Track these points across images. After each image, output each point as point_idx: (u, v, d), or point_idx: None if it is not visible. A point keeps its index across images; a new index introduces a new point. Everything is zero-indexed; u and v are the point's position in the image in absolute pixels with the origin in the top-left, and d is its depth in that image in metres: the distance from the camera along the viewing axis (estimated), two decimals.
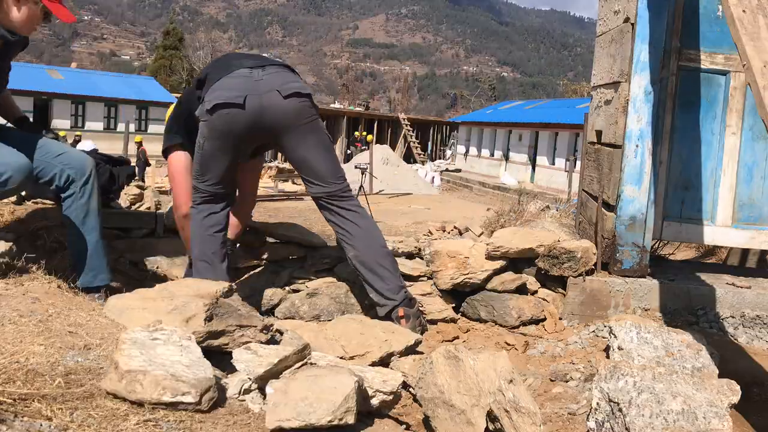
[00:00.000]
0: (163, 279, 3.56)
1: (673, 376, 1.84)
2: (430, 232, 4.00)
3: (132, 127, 25.13)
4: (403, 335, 2.66)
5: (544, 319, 3.42)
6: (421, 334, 3.06)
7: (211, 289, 2.26)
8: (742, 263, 5.19)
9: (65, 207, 2.76)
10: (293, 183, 23.17)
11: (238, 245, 3.50)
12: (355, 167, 17.37)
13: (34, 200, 3.71)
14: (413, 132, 40.15)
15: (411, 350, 2.63)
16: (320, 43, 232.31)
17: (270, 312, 3.45)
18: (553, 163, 27.99)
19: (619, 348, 2.44)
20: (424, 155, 39.08)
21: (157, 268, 3.59)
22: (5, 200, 3.56)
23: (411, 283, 3.46)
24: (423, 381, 2.09)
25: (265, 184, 21.86)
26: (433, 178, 29.92)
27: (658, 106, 3.36)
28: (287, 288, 3.55)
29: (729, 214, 3.57)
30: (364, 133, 37.49)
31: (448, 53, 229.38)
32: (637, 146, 3.35)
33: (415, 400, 2.38)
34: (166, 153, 3.32)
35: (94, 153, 3.58)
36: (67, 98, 30.30)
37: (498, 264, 3.47)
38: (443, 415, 1.98)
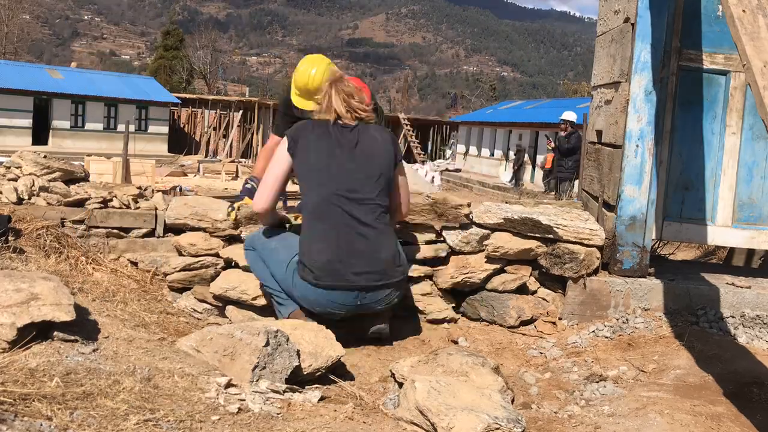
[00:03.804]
0: (163, 279, 3.56)
1: None
2: None
3: (132, 128, 25.09)
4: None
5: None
6: None
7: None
8: (748, 264, 5.19)
9: None
10: (292, 182, 23.10)
11: None
12: None
13: (33, 201, 3.71)
14: (413, 132, 40.13)
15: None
16: (320, 43, 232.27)
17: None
18: None
19: None
20: (424, 155, 39.07)
21: (157, 268, 3.59)
22: (5, 200, 3.56)
23: (410, 284, 3.46)
24: None
25: None
26: (433, 177, 29.89)
27: (658, 106, 3.36)
28: None
29: (729, 214, 3.57)
30: None
31: (448, 53, 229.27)
32: (637, 146, 3.35)
33: None
34: None
35: None
36: (67, 98, 30.24)
37: (498, 264, 3.47)
38: None
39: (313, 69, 3.48)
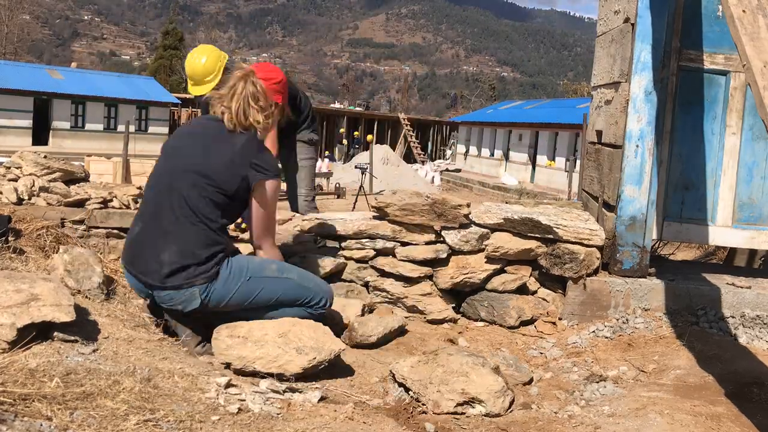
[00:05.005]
0: None
1: None
2: None
3: (132, 128, 25.07)
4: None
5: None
6: None
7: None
8: (749, 264, 5.19)
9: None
10: None
11: None
12: (355, 167, 17.36)
13: (33, 201, 3.71)
14: (413, 132, 40.15)
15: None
16: (320, 43, 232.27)
17: None
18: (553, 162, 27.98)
19: None
20: (424, 155, 39.10)
21: None
22: (5, 200, 3.56)
23: (410, 285, 3.46)
24: None
25: None
26: (433, 177, 29.92)
27: (658, 106, 3.36)
28: None
29: (729, 214, 3.57)
30: (357, 134, 37.73)
31: (448, 53, 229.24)
32: (637, 146, 3.35)
33: None
34: None
35: None
36: (67, 98, 30.21)
37: (498, 264, 3.47)
38: None
39: (203, 58, 3.70)
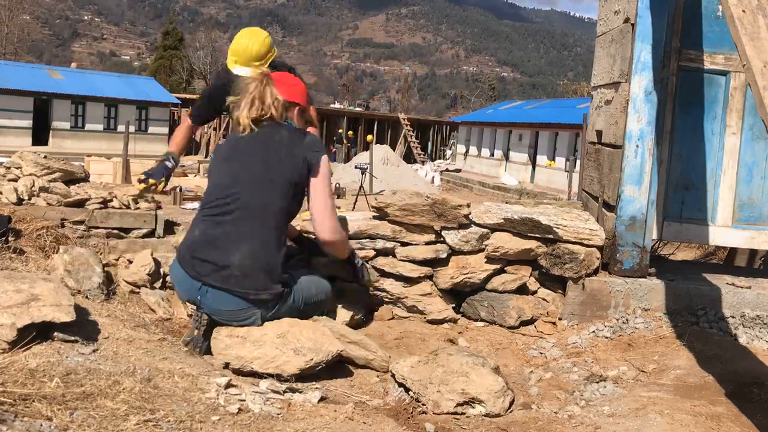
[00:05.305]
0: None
1: None
2: None
3: (132, 128, 25.07)
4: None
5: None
6: None
7: None
8: (750, 264, 5.20)
9: None
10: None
11: None
12: (355, 167, 17.35)
13: (33, 201, 3.71)
14: (413, 132, 40.16)
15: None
16: (320, 43, 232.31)
17: None
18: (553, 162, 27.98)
19: None
20: (424, 155, 39.10)
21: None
22: (5, 200, 3.56)
23: (410, 285, 3.46)
24: None
25: None
26: (433, 178, 29.93)
27: (658, 107, 3.36)
28: None
29: (729, 214, 3.57)
30: (351, 133, 37.89)
31: (448, 53, 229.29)
32: (637, 146, 3.35)
33: None
34: None
35: None
36: (67, 98, 30.22)
37: (498, 264, 3.47)
38: None
39: (259, 41, 3.57)
